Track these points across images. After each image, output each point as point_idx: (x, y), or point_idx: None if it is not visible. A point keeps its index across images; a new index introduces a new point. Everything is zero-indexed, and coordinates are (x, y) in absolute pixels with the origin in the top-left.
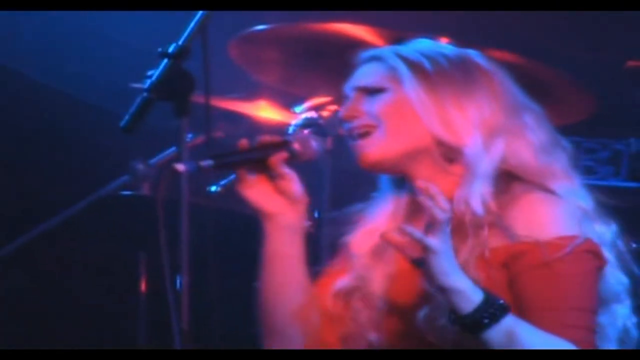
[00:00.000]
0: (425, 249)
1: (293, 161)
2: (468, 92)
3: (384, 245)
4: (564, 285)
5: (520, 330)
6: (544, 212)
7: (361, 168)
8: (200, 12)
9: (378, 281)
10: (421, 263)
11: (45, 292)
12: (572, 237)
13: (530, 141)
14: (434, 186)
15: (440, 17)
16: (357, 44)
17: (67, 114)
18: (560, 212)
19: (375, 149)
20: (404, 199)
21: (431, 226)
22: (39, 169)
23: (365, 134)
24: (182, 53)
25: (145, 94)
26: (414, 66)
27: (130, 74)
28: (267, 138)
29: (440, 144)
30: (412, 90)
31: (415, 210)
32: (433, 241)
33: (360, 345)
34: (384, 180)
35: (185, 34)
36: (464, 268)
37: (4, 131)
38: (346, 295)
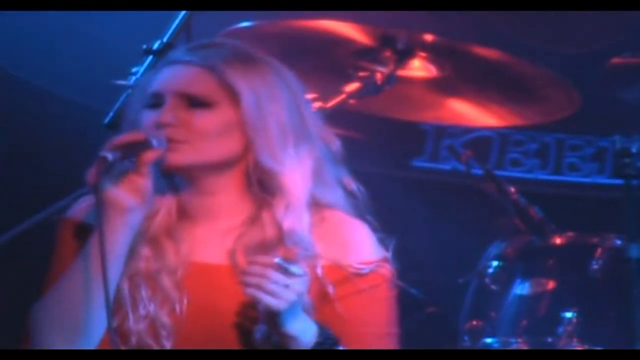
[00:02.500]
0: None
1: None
2: (288, 115)
3: (161, 238)
4: (381, 311)
5: None
6: (354, 234)
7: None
8: (183, 12)
9: (166, 271)
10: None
11: (26, 289)
12: (384, 260)
13: (323, 162)
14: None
15: (423, 14)
16: (341, 41)
17: (48, 111)
18: (368, 233)
19: (184, 158)
20: (181, 196)
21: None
22: (20, 166)
23: (176, 141)
24: (166, 50)
25: (129, 91)
26: (249, 85)
27: (113, 71)
28: (135, 135)
29: (258, 167)
30: (248, 111)
31: (188, 212)
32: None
33: (157, 329)
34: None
35: (170, 30)
36: None
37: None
38: (136, 280)
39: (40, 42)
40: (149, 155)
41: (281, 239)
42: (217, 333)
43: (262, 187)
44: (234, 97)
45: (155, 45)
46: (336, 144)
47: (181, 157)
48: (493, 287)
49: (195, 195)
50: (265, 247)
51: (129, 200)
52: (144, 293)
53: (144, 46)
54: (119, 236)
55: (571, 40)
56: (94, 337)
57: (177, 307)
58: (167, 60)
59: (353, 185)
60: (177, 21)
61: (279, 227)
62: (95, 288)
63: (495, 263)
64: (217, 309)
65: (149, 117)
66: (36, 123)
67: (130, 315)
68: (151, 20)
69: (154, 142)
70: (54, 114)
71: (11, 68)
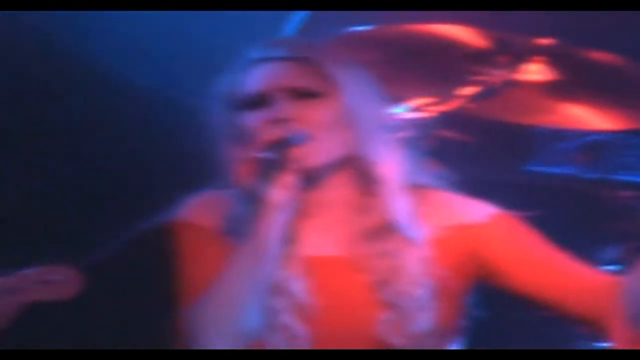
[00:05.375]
0: None
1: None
2: (373, 104)
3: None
4: (539, 240)
5: None
6: (462, 201)
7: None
8: (299, 13)
9: (292, 278)
10: None
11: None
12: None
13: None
14: None
15: (539, 18)
16: (457, 45)
17: (159, 113)
18: (474, 199)
19: (314, 157)
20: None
21: None
22: (134, 167)
23: (302, 140)
24: None
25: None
26: (343, 76)
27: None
28: (279, 132)
29: (357, 157)
30: (345, 101)
31: (301, 209)
32: None
33: (295, 338)
34: None
35: (284, 32)
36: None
37: (100, 132)
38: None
39: (153, 45)
40: (297, 152)
41: (391, 224)
42: (352, 329)
43: (365, 176)
44: (333, 88)
45: None
46: (413, 134)
47: (312, 156)
48: None
49: (312, 193)
50: (376, 235)
51: (283, 198)
52: (276, 302)
53: None
54: (275, 235)
55: None
56: (249, 339)
57: (311, 314)
58: (250, 60)
59: (435, 167)
60: (291, 25)
61: (386, 213)
62: (253, 290)
63: (609, 268)
64: (347, 305)
65: (255, 117)
66: (145, 125)
67: (268, 326)
68: (264, 24)
69: (297, 139)
70: (164, 116)
71: (123, 71)
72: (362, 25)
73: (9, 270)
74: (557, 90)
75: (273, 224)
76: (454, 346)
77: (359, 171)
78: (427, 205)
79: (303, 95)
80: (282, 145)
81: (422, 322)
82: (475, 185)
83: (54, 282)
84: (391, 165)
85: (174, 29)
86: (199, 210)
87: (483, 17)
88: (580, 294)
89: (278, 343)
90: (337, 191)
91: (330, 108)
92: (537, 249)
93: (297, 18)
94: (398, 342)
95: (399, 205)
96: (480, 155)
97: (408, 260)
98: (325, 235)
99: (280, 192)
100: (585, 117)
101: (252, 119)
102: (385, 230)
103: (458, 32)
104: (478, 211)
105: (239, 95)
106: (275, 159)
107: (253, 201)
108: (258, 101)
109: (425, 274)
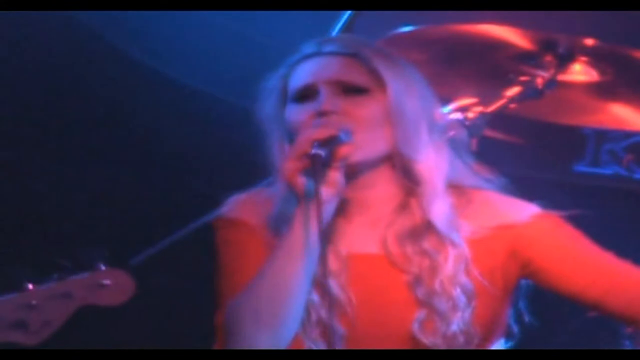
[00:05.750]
0: None
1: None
2: (421, 106)
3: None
4: (584, 242)
5: None
6: (506, 200)
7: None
8: (347, 13)
9: (331, 276)
10: None
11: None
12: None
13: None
14: None
15: (587, 18)
16: (501, 46)
17: (205, 111)
18: (517, 198)
19: (357, 153)
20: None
21: None
22: (173, 163)
23: (349, 138)
24: None
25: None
26: (392, 74)
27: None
28: (328, 130)
29: (399, 155)
30: (391, 99)
31: (341, 207)
32: None
33: (331, 335)
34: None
35: (332, 34)
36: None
37: (145, 129)
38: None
39: (206, 47)
40: (344, 150)
41: (430, 224)
42: (388, 326)
43: (406, 175)
44: (380, 84)
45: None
46: (461, 135)
47: (360, 152)
48: None
49: (352, 190)
50: (414, 234)
51: (329, 195)
52: (314, 298)
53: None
54: (318, 232)
55: None
56: (289, 334)
57: (348, 310)
58: (301, 55)
59: (484, 171)
60: (339, 24)
61: (426, 213)
62: (294, 284)
63: None
64: (383, 303)
65: (301, 110)
66: (200, 126)
67: (304, 321)
68: (314, 25)
69: (343, 136)
70: (217, 116)
71: (176, 73)
72: (407, 26)
73: (62, 273)
74: (603, 91)
75: (317, 220)
76: (496, 346)
77: (400, 169)
78: (470, 205)
79: (349, 90)
80: (331, 142)
81: (457, 322)
82: (520, 186)
83: (107, 286)
84: (433, 164)
85: (227, 29)
86: (245, 208)
87: (528, 17)
88: (624, 293)
89: (315, 338)
90: (378, 189)
91: (376, 104)
92: (580, 248)
93: (345, 18)
94: (433, 341)
95: (439, 205)
96: (526, 155)
97: (446, 260)
98: (365, 233)
99: (327, 190)
100: (632, 117)
101: (298, 112)
102: (425, 229)
103: (503, 32)
104: (521, 211)
105: (288, 89)
106: (324, 156)
107: (299, 198)
108: (304, 94)
109: (463, 274)
